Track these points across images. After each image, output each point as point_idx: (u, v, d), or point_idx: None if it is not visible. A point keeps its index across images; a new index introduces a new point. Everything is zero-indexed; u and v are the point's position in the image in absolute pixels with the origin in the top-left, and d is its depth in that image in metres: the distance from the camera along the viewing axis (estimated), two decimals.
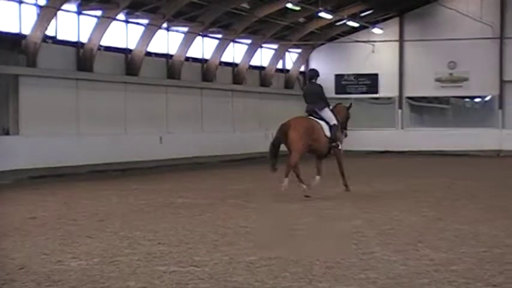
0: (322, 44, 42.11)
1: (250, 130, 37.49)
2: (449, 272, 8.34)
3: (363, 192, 18.32)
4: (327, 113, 17.59)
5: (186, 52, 32.78)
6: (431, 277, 8.06)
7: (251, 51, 37.54)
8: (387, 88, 41.85)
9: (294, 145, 16.83)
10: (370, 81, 42.15)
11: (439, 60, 40.59)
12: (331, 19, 37.19)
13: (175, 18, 31.50)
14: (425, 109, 43.12)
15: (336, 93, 42.63)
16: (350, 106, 19.28)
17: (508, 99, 39.85)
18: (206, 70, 34.79)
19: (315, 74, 18.29)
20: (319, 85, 17.98)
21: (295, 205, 15.53)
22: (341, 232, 11.50)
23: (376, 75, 42.08)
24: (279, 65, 40.92)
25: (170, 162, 29.85)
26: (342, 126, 18.41)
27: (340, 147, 17.88)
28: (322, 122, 17.36)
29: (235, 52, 37.07)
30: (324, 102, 17.73)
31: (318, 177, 17.60)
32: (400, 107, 41.75)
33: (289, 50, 41.26)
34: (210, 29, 34.02)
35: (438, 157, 36.59)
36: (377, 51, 41.65)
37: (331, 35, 41.37)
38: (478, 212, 14.20)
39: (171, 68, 32.36)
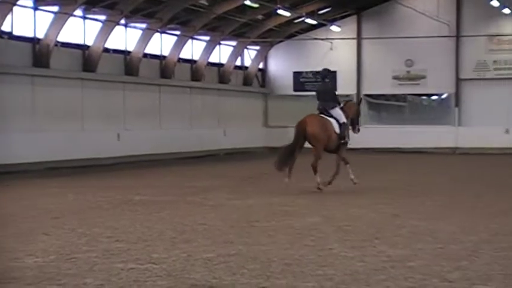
0: (281, 41, 42.19)
1: (209, 127, 37.45)
2: (406, 268, 8.42)
3: (322, 189, 18.36)
4: (337, 112, 18.35)
5: (144, 49, 32.63)
6: (388, 273, 8.13)
7: (209, 48, 37.49)
8: (345, 85, 41.97)
9: (316, 139, 17.78)
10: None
11: (397, 58, 40.89)
12: (289, 16, 37.28)
13: (133, 15, 31.33)
14: (382, 106, 43.44)
15: (295, 90, 42.83)
16: (360, 102, 20.22)
17: (464, 97, 40.27)
18: (164, 67, 34.67)
19: (327, 73, 18.98)
20: (332, 85, 18.79)
21: (253, 202, 15.56)
22: (299, 229, 11.55)
23: (334, 72, 42.17)
24: (238, 62, 40.91)
25: (128, 159, 29.72)
26: (354, 122, 19.29)
27: (347, 143, 18.69)
28: (332, 120, 18.12)
29: (193, 49, 36.99)
30: (335, 101, 18.56)
31: (349, 168, 18.56)
32: (358, 105, 41.90)
33: (248, 47, 41.28)
34: (169, 26, 33.89)
35: (396, 154, 36.87)
36: (335, 49, 41.83)
37: (290, 32, 41.46)
38: (435, 208, 14.36)
39: (129, 64, 32.19)
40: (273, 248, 9.76)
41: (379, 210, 13.98)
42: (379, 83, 41.46)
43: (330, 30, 40.74)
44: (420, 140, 39.07)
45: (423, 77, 40.83)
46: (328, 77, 18.98)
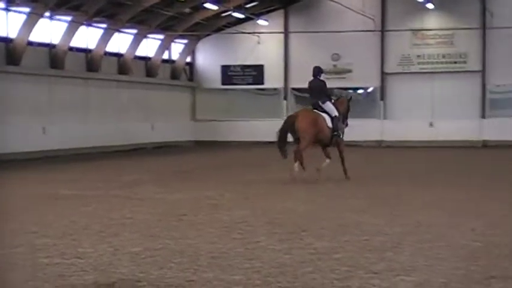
0: (208, 34, 42.12)
1: (136, 121, 37.20)
2: (332, 260, 8.51)
3: (251, 182, 18.45)
4: (329, 106, 19.41)
5: (70, 42, 32.21)
6: (314, 265, 8.21)
7: (137, 42, 37.21)
8: (273, 79, 42.24)
9: (303, 134, 18.53)
10: (256, 72, 42.44)
11: (323, 52, 41.17)
12: (216, 10, 37.24)
13: (58, 7, 30.87)
14: (310, 100, 43.60)
15: (223, 84, 42.83)
16: (350, 99, 21.19)
17: (389, 91, 40.81)
18: (91, 60, 34.27)
19: (319, 71, 20.44)
20: (323, 81, 20.15)
21: (181, 196, 15.52)
22: (227, 222, 11.56)
23: (261, 66, 42.40)
24: (165, 56, 40.71)
25: (54, 153, 29.35)
26: (344, 117, 20.20)
27: (342, 137, 19.61)
28: (324, 114, 19.11)
29: (120, 42, 36.66)
30: (327, 96, 19.81)
31: (328, 160, 19.28)
32: (286, 98, 42.21)
33: (175, 40, 41.09)
34: (95, 19, 33.51)
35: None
36: (263, 43, 41.95)
37: (217, 26, 41.40)
38: (361, 201, 14.52)
39: (54, 57, 31.71)
40: (200, 242, 9.76)
41: (308, 203, 14.08)
42: (306, 77, 41.09)
43: (258, 24, 40.86)
44: (346, 133, 39.35)
45: (349, 71, 41.25)
46: (320, 74, 20.33)
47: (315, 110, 19.34)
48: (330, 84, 41.02)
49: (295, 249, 9.22)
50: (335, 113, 19.32)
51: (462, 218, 11.96)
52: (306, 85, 42.44)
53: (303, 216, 12.24)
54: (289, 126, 18.95)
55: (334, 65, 41.32)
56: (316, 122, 18.83)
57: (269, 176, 20.67)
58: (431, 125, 39.58)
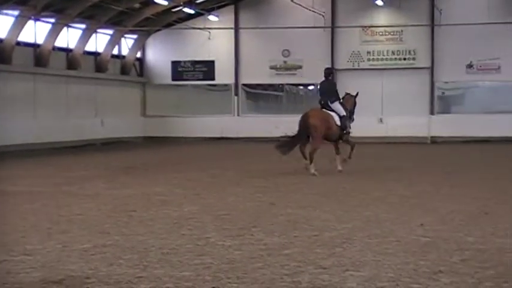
0: (159, 30, 41.94)
1: (85, 117, 36.90)
2: (282, 255, 8.54)
3: (200, 179, 18.43)
4: (337, 106, 20.41)
5: (18, 36, 31.80)
6: (264, 261, 8.23)
7: (86, 37, 36.88)
8: (224, 75, 42.22)
9: (315, 131, 19.65)
10: (207, 68, 42.38)
11: (274, 48, 41.31)
12: (167, 5, 37.11)
13: (5, 1, 30.44)
14: (260, 96, 43.83)
15: (173, 79, 42.71)
16: (356, 95, 21.65)
17: (339, 87, 40.32)
18: (39, 55, 33.90)
19: (330, 72, 21.63)
20: (334, 82, 21.43)
21: (130, 192, 15.44)
22: (177, 218, 11.53)
23: (212, 62, 42.35)
24: (115, 51, 40.44)
25: (2, 150, 28.97)
26: (350, 113, 21.09)
27: (350, 133, 20.73)
28: (333, 113, 20.20)
29: (69, 37, 36.31)
30: (336, 96, 20.59)
31: (338, 157, 20.62)
32: (236, 94, 42.23)
33: (125, 35, 40.83)
34: (43, 13, 33.12)
35: (273, 144, 37.19)
36: (213, 39, 41.91)
37: (168, 21, 41.24)
38: (311, 196, 14.59)
39: (2, 52, 31.29)
40: (150, 238, 9.72)
41: (257, 199, 14.11)
42: (257, 73, 41.80)
43: (208, 19, 40.79)
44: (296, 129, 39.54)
45: (300, 67, 41.41)
46: (331, 75, 21.35)
47: (324, 109, 20.38)
48: (280, 80, 41.99)
49: (245, 245, 9.23)
50: (343, 112, 20.43)
51: (411, 213, 12.08)
52: (257, 81, 42.92)
53: (253, 212, 12.26)
54: (304, 124, 19.86)
55: (285, 61, 41.47)
56: (327, 120, 20.01)
57: (219, 171, 20.66)
58: (381, 121, 39.94)
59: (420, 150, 32.22)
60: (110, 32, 39.04)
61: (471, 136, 38.12)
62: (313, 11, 39.08)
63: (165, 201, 13.79)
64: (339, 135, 20.43)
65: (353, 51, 40.75)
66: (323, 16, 39.94)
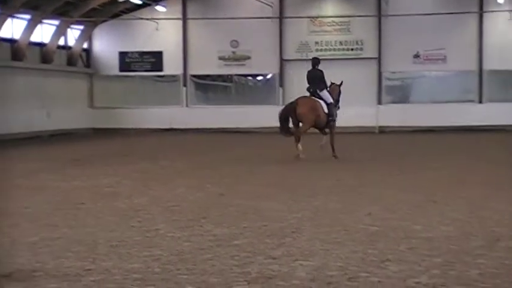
0: (105, 20, 41.60)
1: (31, 108, 36.43)
2: (231, 246, 8.56)
3: (149, 170, 18.36)
4: (325, 94, 21.32)
5: None
6: (214, 252, 8.24)
7: (31, 27, 36.41)
8: (172, 66, 42.07)
9: (304, 118, 20.71)
10: (155, 59, 42.19)
11: (223, 39, 41.27)
12: None
13: None
14: (209, 87, 43.74)
15: (120, 70, 42.44)
16: (341, 84, 22.50)
17: (287, 78, 41.17)
18: None
19: (317, 61, 22.10)
20: (321, 71, 21.61)
21: (79, 184, 15.32)
22: (125, 210, 11.48)
23: (160, 52, 42.15)
24: (61, 42, 40.00)
25: None
26: (336, 101, 21.95)
27: (335, 121, 21.57)
28: (321, 101, 21.09)
29: (14, 28, 35.81)
30: (324, 84, 21.46)
31: (325, 137, 21.53)
32: (185, 85, 42.11)
33: (72, 26, 40.42)
34: None
35: (222, 134, 37.30)
36: (161, 29, 41.72)
37: (114, 11, 40.95)
38: (259, 187, 14.61)
39: None
40: (98, 230, 9.67)
41: (206, 190, 14.10)
42: (206, 64, 41.71)
43: (156, 10, 40.61)
44: (246, 120, 39.70)
45: (248, 58, 41.44)
46: (318, 64, 21.84)
47: (313, 97, 21.23)
48: (229, 70, 41.94)
49: (195, 236, 9.23)
50: (330, 100, 21.32)
51: (359, 202, 12.18)
52: (205, 72, 42.81)
53: (202, 203, 12.25)
54: (289, 112, 21.02)
55: (233, 52, 41.47)
56: (315, 107, 20.90)
57: (168, 163, 20.61)
58: None
59: (368, 140, 32.51)
60: (56, 22, 38.59)
61: (418, 126, 38.58)
62: (261, 1, 39.12)
63: (113, 193, 13.71)
64: (326, 122, 21.20)
65: (301, 42, 40.91)
66: (271, 6, 40.01)
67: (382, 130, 39.14)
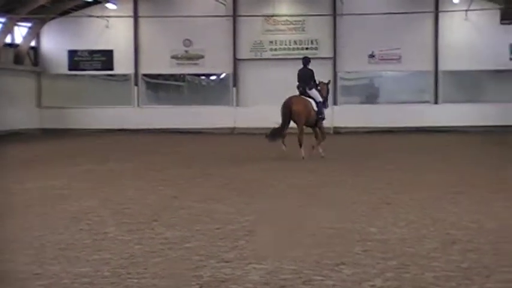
0: (54, 18, 41.22)
1: None
2: (183, 249, 8.53)
3: (99, 172, 18.24)
4: (314, 93, 22.16)
5: None
6: (165, 255, 8.21)
7: None
8: (123, 65, 41.86)
9: (299, 116, 21.55)
10: (105, 58, 41.94)
11: (175, 38, 41.17)
12: None
13: None
14: (161, 86, 43.60)
15: (70, 69, 42.10)
16: (329, 82, 23.61)
17: (241, 77, 41.21)
18: None
19: (308, 61, 22.59)
20: (311, 70, 22.26)
21: (26, 186, 15.15)
22: (75, 212, 11.38)
23: (111, 51, 41.91)
24: (8, 40, 39.53)
25: None
26: (324, 99, 22.77)
27: (324, 118, 22.53)
28: (311, 100, 21.95)
29: None
30: (314, 83, 22.28)
31: (317, 141, 22.40)
32: (136, 84, 41.91)
33: (19, 23, 39.98)
34: None
35: (175, 135, 37.19)
36: (112, 27, 41.48)
37: (64, 9, 40.60)
38: (212, 189, 14.57)
39: None
40: (46, 233, 9.57)
41: (158, 192, 14.04)
42: (158, 63, 41.58)
43: (106, 7, 40.35)
44: (199, 120, 39.64)
45: (201, 57, 41.40)
46: (308, 63, 22.35)
47: (303, 96, 22.02)
48: (181, 70, 41.83)
49: (146, 239, 9.19)
50: (319, 98, 22.19)
51: (313, 204, 12.23)
52: (158, 71, 42.66)
53: (154, 205, 12.19)
54: (288, 111, 21.55)
55: (186, 51, 41.39)
56: (307, 106, 21.79)
57: (118, 164, 20.49)
58: None
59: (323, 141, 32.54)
60: (2, 19, 38.14)
61: (374, 126, 38.85)
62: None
63: (62, 196, 13.58)
64: (315, 120, 22.03)
65: (255, 41, 40.97)
66: (224, 5, 40.02)
67: (337, 131, 39.29)
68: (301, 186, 14.93)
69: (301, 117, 21.62)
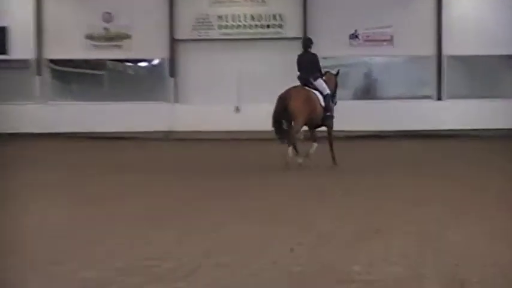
0: None
1: None
2: None
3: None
4: (320, 83, 22.62)
5: None
6: None
7: None
8: (21, 47, 41.45)
9: (297, 114, 21.88)
10: None
11: (91, 11, 40.87)
12: None
13: None
14: (73, 76, 43.27)
15: None
16: (338, 73, 24.14)
17: (182, 65, 40.88)
18: None
19: (310, 42, 23.30)
20: (315, 54, 22.88)
21: None
22: None
23: (3, 29, 41.50)
24: None
25: None
26: (332, 94, 23.25)
27: (333, 116, 23.01)
28: (317, 92, 22.36)
29: None
30: (319, 72, 22.79)
31: (315, 144, 22.90)
32: (39, 73, 41.57)
33: None
34: None
35: (90, 141, 36.93)
36: None
37: None
38: (142, 211, 14.53)
39: None
40: None
41: (71, 214, 13.97)
42: (68, 44, 41.25)
43: None
44: (125, 122, 39.26)
45: (127, 37, 41.15)
46: (311, 46, 23.07)
47: (306, 87, 22.41)
48: (99, 54, 41.57)
49: (56, 281, 9.16)
50: (327, 91, 22.64)
51: (280, 232, 12.15)
52: (67, 56, 42.29)
53: (65, 235, 12.12)
54: (281, 109, 22.01)
55: (106, 28, 41.13)
56: (310, 99, 22.16)
57: (26, 175, 20.42)
58: (237, 110, 40.03)
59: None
60: None
61: (358, 130, 38.45)
62: None
63: None
64: (322, 118, 22.56)
65: (199, 16, 40.82)
66: None
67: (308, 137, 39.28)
68: (263, 208, 14.83)
69: (299, 118, 21.96)
